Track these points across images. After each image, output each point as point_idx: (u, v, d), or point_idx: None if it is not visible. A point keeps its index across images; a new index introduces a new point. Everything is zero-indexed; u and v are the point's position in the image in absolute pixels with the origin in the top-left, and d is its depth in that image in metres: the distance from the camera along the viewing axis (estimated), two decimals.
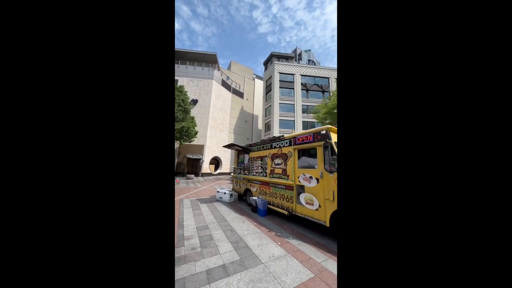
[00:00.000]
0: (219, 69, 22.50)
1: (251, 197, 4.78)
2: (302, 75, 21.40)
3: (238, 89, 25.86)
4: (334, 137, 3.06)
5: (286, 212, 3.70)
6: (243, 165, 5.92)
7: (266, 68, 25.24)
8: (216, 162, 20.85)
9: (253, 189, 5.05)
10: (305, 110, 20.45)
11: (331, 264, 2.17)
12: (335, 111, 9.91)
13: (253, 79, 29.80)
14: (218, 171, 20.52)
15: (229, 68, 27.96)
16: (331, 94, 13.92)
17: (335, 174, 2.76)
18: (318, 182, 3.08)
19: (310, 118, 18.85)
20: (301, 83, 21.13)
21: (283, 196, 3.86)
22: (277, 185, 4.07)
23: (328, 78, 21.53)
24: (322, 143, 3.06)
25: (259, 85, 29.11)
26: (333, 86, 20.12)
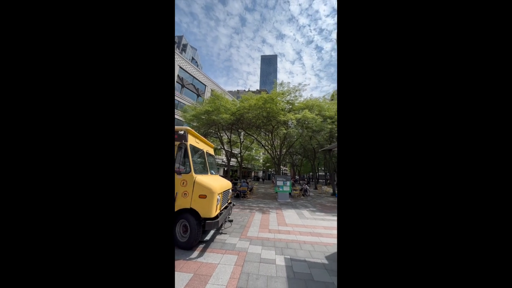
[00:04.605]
0: None
1: None
2: (181, 68, 19.77)
3: None
4: (191, 140, 3.19)
5: None
6: None
7: None
8: None
9: None
10: (176, 105, 18.74)
11: None
12: (203, 117, 10.73)
13: None
14: None
15: None
16: (203, 101, 14.93)
17: (183, 175, 2.82)
18: None
19: (178, 115, 17.73)
20: (178, 75, 19.30)
21: None
22: None
23: (205, 85, 23.02)
24: (178, 143, 2.98)
25: None
26: (207, 95, 21.99)
